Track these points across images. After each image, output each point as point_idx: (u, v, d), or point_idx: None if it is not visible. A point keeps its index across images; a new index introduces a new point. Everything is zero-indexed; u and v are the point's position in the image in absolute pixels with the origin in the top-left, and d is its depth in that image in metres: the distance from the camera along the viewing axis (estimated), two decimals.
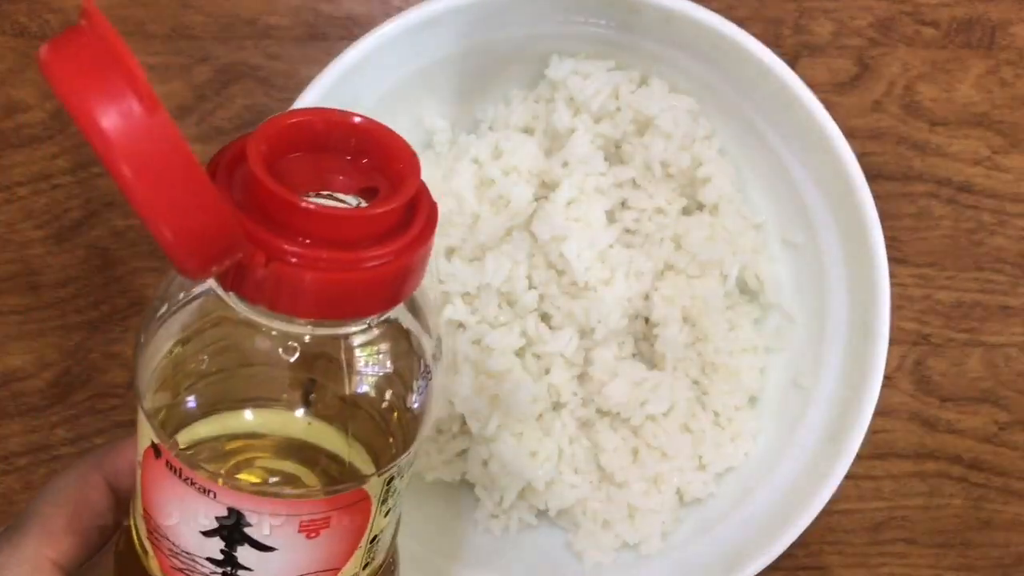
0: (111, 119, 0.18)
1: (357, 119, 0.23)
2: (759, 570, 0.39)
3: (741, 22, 0.39)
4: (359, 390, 0.25)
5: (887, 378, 0.40)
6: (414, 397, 0.26)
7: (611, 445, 0.42)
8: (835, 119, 0.39)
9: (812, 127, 0.39)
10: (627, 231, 0.43)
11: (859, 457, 0.39)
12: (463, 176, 0.42)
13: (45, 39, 0.45)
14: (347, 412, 0.25)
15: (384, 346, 0.25)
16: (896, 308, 0.39)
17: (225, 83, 0.46)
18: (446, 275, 0.41)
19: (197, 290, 0.25)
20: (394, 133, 0.23)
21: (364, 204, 0.23)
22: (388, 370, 0.25)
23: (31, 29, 0.45)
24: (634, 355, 0.43)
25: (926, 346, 0.48)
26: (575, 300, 0.41)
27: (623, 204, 0.43)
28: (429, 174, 0.43)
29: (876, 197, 0.39)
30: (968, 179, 0.47)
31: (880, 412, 0.39)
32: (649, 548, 0.43)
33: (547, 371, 0.42)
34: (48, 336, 0.46)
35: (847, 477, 0.39)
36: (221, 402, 0.26)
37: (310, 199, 0.22)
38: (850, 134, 0.39)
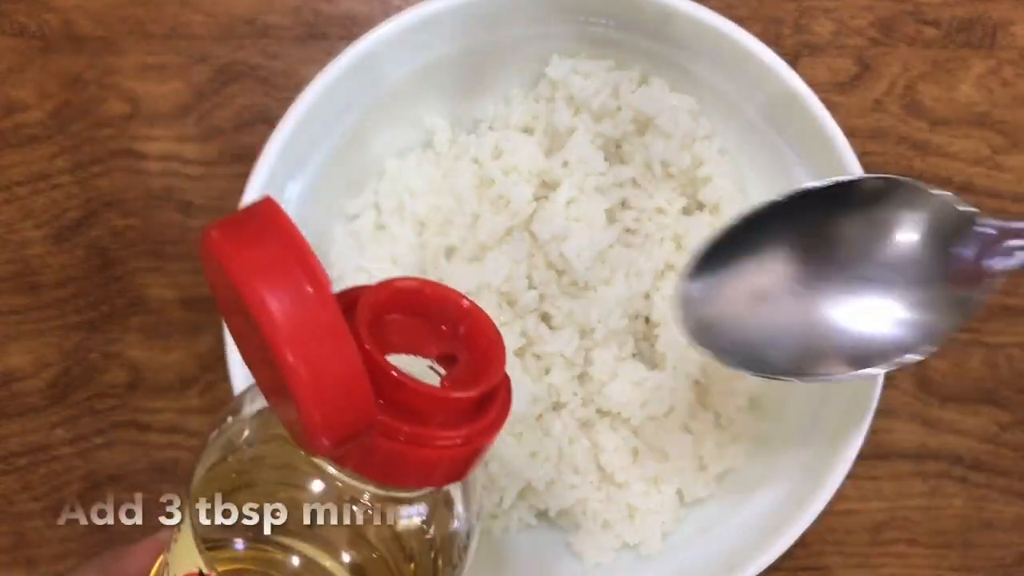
0: (282, 305, 0.19)
1: (465, 302, 0.24)
2: (759, 571, 0.39)
3: (741, 21, 0.38)
4: (401, 551, 0.26)
5: (888, 378, 0.40)
6: (449, 567, 0.27)
7: (611, 445, 0.42)
8: (835, 119, 0.38)
9: (812, 127, 0.39)
10: (627, 231, 0.43)
11: (859, 457, 0.39)
12: (463, 176, 0.42)
13: (44, 39, 0.45)
14: (384, 568, 0.26)
15: (432, 514, 0.26)
16: None
17: (224, 83, 0.46)
18: (446, 275, 0.41)
19: (253, 422, 0.26)
20: (490, 320, 0.24)
21: (440, 369, 0.25)
22: (431, 536, 0.27)
23: (30, 29, 0.45)
24: (634, 355, 0.43)
25: None
26: (575, 300, 0.41)
27: (623, 204, 0.43)
28: (429, 174, 0.43)
29: None
30: (969, 179, 0.47)
31: (881, 412, 0.39)
32: (649, 548, 0.43)
33: (547, 371, 0.42)
34: (47, 336, 0.46)
35: (847, 477, 0.39)
36: (270, 541, 0.27)
37: (393, 362, 0.22)
38: (851, 134, 0.38)
